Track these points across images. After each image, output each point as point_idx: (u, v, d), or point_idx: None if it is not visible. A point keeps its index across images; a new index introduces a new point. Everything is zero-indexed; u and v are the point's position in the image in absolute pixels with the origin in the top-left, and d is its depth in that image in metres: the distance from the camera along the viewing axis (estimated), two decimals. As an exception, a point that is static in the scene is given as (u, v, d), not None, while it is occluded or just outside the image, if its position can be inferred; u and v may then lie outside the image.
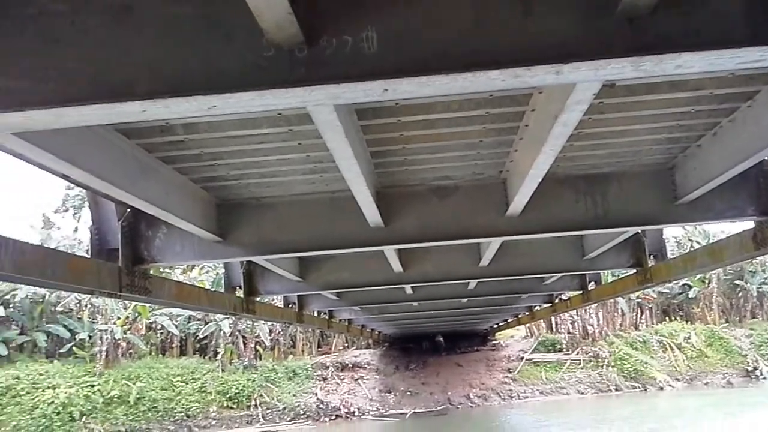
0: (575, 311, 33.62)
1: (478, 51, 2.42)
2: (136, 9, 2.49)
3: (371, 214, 5.70)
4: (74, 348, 39.15)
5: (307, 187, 6.06)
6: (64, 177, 4.50)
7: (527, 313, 22.32)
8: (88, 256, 5.99)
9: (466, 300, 15.12)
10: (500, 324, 30.22)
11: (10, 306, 39.31)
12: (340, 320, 18.95)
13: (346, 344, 47.20)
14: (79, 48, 2.47)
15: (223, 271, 10.46)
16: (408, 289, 12.01)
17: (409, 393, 39.09)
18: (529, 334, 44.98)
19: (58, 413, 34.97)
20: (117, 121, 2.72)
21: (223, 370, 39.72)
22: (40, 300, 39.68)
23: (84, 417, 35.63)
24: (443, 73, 2.40)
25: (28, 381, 35.76)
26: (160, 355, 42.91)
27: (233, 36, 2.42)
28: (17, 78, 2.43)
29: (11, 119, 2.45)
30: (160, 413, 37.21)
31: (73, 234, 45.23)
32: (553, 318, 39.29)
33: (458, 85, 2.46)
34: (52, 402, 35.03)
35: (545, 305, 18.80)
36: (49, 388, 35.62)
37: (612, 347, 42.56)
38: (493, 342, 43.42)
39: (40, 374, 36.36)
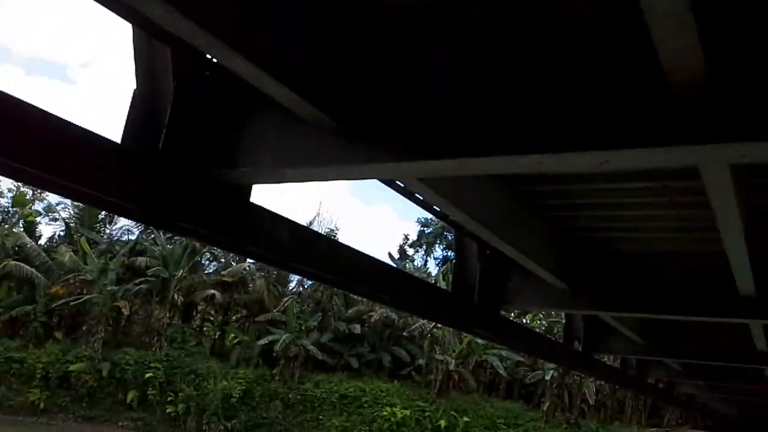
0: None
1: None
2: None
3: (744, 281, 5.14)
4: (413, 372, 42.56)
5: (668, 245, 5.75)
6: (444, 217, 5.02)
7: None
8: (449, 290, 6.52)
9: None
10: None
11: (366, 326, 44.40)
12: (679, 394, 17.22)
13: (680, 420, 42.74)
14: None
15: (558, 320, 10.43)
16: (771, 371, 10.47)
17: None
18: None
19: (392, 431, 38.28)
20: (514, 171, 2.96)
21: (546, 422, 39.21)
22: (390, 323, 44.03)
23: (414, 439, 38.41)
24: None
25: (371, 396, 39.93)
26: (486, 394, 44.11)
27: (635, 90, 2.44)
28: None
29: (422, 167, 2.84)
30: (481, 453, 38.24)
31: (423, 267, 49.77)
32: None
33: None
34: (389, 419, 38.50)
35: None
36: (387, 405, 39.26)
37: None
38: None
39: (382, 391, 40.31)
